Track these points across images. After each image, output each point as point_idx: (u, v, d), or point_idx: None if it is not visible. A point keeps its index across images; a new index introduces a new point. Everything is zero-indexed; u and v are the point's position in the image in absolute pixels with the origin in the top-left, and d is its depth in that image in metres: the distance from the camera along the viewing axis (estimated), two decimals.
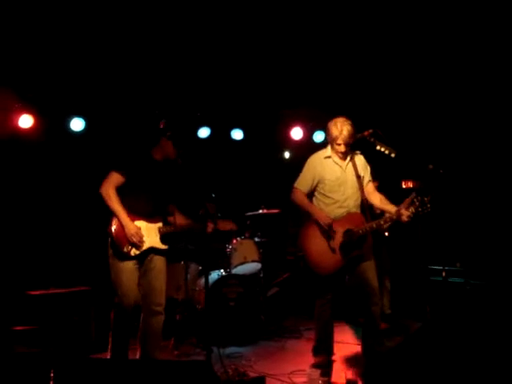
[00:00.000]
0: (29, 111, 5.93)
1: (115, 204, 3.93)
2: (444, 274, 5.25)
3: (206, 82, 6.49)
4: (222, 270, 5.81)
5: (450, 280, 5.55)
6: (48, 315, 5.05)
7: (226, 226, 4.33)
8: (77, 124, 6.21)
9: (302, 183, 4.31)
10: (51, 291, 5.24)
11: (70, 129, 6.19)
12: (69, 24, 5.29)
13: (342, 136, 4.13)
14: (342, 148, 4.18)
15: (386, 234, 5.65)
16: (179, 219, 4.27)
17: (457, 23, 5.41)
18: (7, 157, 5.96)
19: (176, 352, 5.14)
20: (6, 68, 5.50)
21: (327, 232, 4.10)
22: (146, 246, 4.02)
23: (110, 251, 4.01)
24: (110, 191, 3.93)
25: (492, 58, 5.68)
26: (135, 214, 4.01)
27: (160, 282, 4.12)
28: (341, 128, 4.13)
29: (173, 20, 5.47)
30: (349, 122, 4.17)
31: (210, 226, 4.20)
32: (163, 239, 4.13)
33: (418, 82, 6.34)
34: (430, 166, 4.70)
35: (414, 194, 4.76)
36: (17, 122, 5.87)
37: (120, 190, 3.99)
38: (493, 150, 6.16)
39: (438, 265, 5.68)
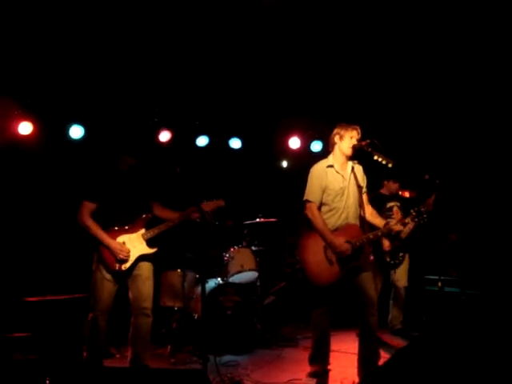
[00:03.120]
0: (28, 118, 5.95)
1: (95, 230, 4.12)
2: (440, 283, 5.27)
3: (205, 91, 6.53)
4: (219, 279, 5.82)
5: (446, 290, 5.56)
6: (45, 322, 5.05)
7: (211, 205, 4.33)
8: (76, 131, 6.24)
9: (314, 195, 4.19)
10: (48, 298, 5.23)
11: (69, 136, 6.22)
12: (68, 32, 5.34)
13: (357, 131, 4.18)
14: (355, 142, 4.17)
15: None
16: (164, 214, 4.37)
17: (454, 35, 5.47)
18: (6, 163, 5.98)
19: (172, 360, 5.13)
20: (6, 75, 5.53)
21: (327, 245, 4.10)
22: (134, 257, 4.18)
23: (96, 267, 4.16)
24: (86, 220, 4.13)
25: (487, 72, 5.74)
26: (116, 230, 4.18)
27: (147, 287, 4.24)
28: (353, 126, 4.19)
29: (172, 30, 5.52)
30: None
31: (196, 214, 4.28)
32: (150, 244, 4.26)
33: (416, 92, 6.39)
34: (427, 176, 4.73)
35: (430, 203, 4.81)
36: (16, 128, 5.90)
37: (96, 212, 4.18)
38: (488, 161, 6.20)
39: (434, 274, 5.70)
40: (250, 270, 5.89)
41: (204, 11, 5.30)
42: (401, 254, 5.72)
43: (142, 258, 4.21)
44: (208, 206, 4.28)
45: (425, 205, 4.36)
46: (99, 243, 4.11)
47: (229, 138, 7.29)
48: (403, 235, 5.47)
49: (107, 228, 4.16)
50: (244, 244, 6.19)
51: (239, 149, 7.34)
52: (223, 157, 7.39)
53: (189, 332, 5.53)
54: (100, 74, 5.97)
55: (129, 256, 4.13)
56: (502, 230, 5.99)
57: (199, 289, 5.59)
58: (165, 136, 6.75)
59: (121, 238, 4.16)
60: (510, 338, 2.71)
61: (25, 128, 5.94)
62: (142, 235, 4.23)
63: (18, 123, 5.90)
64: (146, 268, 4.25)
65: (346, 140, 4.19)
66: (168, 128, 6.75)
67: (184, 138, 6.99)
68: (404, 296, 5.79)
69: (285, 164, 7.77)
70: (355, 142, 4.17)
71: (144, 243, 4.23)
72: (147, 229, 4.27)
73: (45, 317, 5.06)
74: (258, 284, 6.19)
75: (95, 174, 4.31)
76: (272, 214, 6.63)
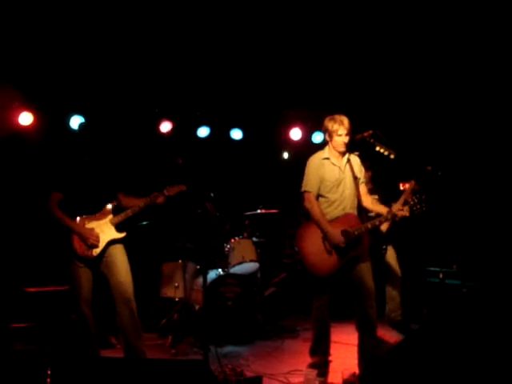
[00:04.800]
0: (29, 108, 5.93)
1: (63, 219, 4.26)
2: (441, 275, 5.26)
3: (206, 82, 6.50)
4: (219, 269, 5.82)
5: (447, 282, 5.55)
6: (45, 312, 5.06)
7: (174, 190, 4.47)
8: (77, 122, 6.21)
9: (311, 185, 4.20)
10: (49, 288, 5.24)
11: (69, 126, 6.20)
12: (69, 21, 5.31)
13: (344, 126, 4.10)
14: (344, 139, 4.11)
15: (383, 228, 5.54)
16: (129, 203, 4.45)
17: (456, 25, 5.44)
18: (7, 154, 5.97)
19: (173, 351, 5.15)
20: (7, 65, 5.51)
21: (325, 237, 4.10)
22: (104, 242, 4.28)
23: (70, 260, 4.26)
24: (54, 210, 4.28)
25: (490, 61, 5.70)
26: (84, 217, 4.29)
27: (124, 274, 4.30)
28: (340, 119, 4.13)
29: (174, 19, 5.49)
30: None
31: (161, 197, 4.41)
32: (118, 228, 4.36)
33: (418, 83, 6.36)
34: (429, 168, 4.70)
35: (408, 191, 4.75)
36: (17, 119, 5.88)
37: (64, 202, 4.29)
38: (490, 153, 6.18)
39: (435, 266, 5.69)
40: (250, 261, 5.90)
41: (205, 3, 5.27)
42: (384, 247, 5.69)
43: (112, 242, 4.31)
44: (171, 190, 4.45)
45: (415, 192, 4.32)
46: (69, 232, 4.21)
47: (230, 128, 7.27)
48: (383, 229, 5.44)
49: (75, 216, 4.27)
50: (245, 235, 6.19)
51: (240, 140, 7.32)
52: (224, 148, 7.37)
53: (190, 323, 5.55)
54: (101, 64, 5.94)
55: (98, 241, 4.23)
56: (504, 222, 5.97)
57: (200, 280, 5.60)
58: (166, 126, 6.74)
59: (89, 225, 4.28)
60: (510, 330, 2.71)
61: (25, 118, 5.92)
62: (110, 221, 4.34)
63: (18, 113, 5.88)
64: (119, 253, 4.33)
65: (335, 139, 4.16)
66: (169, 118, 6.74)
67: (185, 129, 6.98)
68: (399, 287, 5.76)
69: (286, 155, 7.76)
70: (344, 140, 4.13)
71: (113, 228, 4.34)
72: (115, 215, 4.36)
73: (45, 307, 5.08)
74: (259, 275, 6.19)
75: (59, 164, 4.45)
76: (273, 206, 6.62)
